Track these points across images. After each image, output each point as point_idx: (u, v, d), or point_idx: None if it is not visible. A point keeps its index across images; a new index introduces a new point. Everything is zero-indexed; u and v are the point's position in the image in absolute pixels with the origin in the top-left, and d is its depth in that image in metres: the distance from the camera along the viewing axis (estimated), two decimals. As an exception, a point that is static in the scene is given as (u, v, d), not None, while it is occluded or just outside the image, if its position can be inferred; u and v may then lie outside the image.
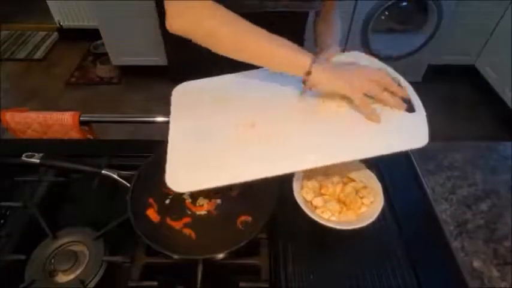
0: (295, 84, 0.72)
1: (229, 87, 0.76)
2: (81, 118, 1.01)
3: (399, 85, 0.66)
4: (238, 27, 0.68)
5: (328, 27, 0.89)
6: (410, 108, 0.64)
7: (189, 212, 0.72)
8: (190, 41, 0.90)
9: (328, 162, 0.60)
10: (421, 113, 0.64)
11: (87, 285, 0.62)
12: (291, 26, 0.89)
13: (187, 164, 0.62)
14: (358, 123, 0.64)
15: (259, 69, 0.74)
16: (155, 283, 0.61)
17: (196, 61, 0.97)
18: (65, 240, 0.68)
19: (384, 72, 0.65)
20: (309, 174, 0.73)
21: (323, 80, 0.64)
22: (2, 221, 0.74)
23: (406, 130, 0.62)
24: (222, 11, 0.68)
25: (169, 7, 0.69)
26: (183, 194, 0.73)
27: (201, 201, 0.73)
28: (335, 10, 0.91)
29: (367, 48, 2.46)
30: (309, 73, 0.64)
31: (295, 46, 0.67)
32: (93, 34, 2.73)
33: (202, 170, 0.61)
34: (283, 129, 0.66)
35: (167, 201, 0.73)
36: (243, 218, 0.70)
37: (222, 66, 0.98)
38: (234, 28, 0.68)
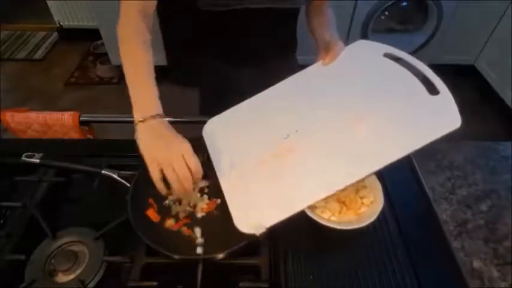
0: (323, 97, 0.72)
1: (254, 113, 0.76)
2: (81, 118, 1.01)
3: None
4: (127, 47, 0.74)
5: (323, 20, 0.87)
6: (434, 91, 0.61)
7: (189, 213, 0.72)
8: (190, 40, 0.90)
9: (369, 171, 0.59)
10: (445, 94, 0.60)
11: (87, 285, 0.62)
12: (279, 23, 0.89)
13: (249, 203, 0.63)
14: (382, 124, 0.62)
15: (276, 86, 0.76)
16: (155, 283, 0.61)
17: (196, 61, 0.97)
18: (65, 240, 0.68)
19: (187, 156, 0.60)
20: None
21: (140, 140, 0.62)
22: (2, 221, 0.73)
23: (437, 115, 0.59)
24: (132, 26, 0.75)
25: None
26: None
27: (201, 203, 0.73)
28: (327, 2, 0.89)
29: (367, 48, 2.46)
30: (137, 124, 0.63)
31: (152, 93, 0.67)
32: (93, 34, 2.73)
33: (262, 208, 0.62)
34: (318, 147, 0.65)
35: (167, 202, 0.73)
36: None
37: (222, 66, 0.98)
38: (125, 47, 0.74)
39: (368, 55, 0.73)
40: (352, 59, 0.74)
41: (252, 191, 0.64)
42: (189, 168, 0.59)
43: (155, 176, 0.60)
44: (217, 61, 0.97)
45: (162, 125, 0.64)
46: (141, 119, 0.63)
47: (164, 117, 0.66)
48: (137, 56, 0.70)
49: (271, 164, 0.66)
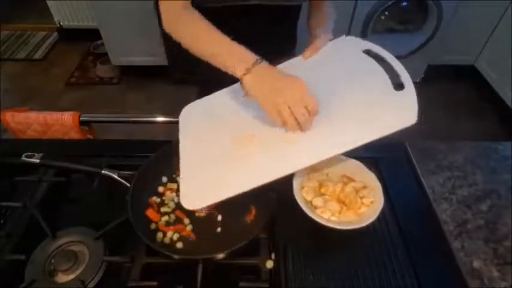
0: None
1: (229, 103, 0.77)
2: (81, 118, 1.01)
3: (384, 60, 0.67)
4: (195, 26, 0.73)
5: (320, 18, 0.87)
6: (399, 86, 0.63)
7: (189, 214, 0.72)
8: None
9: (319, 158, 0.61)
10: (409, 89, 0.62)
11: (87, 285, 0.62)
12: (273, 21, 0.88)
13: (197, 183, 0.65)
14: (345, 115, 0.65)
15: None
16: (155, 283, 0.61)
17: (196, 61, 0.97)
18: (65, 240, 0.68)
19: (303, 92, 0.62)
20: (310, 175, 0.73)
21: (254, 91, 0.64)
22: (2, 221, 0.73)
23: (393, 111, 0.61)
24: (185, 17, 0.74)
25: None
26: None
27: None
28: (328, 2, 0.89)
29: (367, 48, 2.46)
30: (244, 75, 0.64)
31: (242, 48, 0.68)
32: (93, 34, 2.73)
33: (211, 186, 0.63)
34: (279, 136, 0.66)
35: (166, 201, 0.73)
36: (244, 217, 0.70)
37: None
38: (191, 27, 0.74)
39: (348, 51, 0.75)
40: (333, 53, 0.77)
41: (205, 172, 0.66)
42: (305, 107, 0.60)
43: (280, 120, 0.62)
44: None
45: (269, 68, 0.66)
46: (245, 71, 0.64)
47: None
48: (208, 28, 0.71)
49: (231, 148, 0.67)
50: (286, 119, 0.61)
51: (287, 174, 0.61)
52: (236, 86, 0.78)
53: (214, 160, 0.67)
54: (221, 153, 0.67)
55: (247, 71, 0.64)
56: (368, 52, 0.73)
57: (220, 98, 0.79)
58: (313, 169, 0.73)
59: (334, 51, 0.77)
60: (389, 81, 0.65)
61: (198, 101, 0.81)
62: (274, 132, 0.66)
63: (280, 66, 0.78)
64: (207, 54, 0.72)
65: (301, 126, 0.62)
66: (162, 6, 0.77)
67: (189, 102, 0.82)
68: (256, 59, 0.65)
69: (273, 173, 0.60)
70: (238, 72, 0.65)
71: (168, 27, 0.78)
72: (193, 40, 0.74)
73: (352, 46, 0.76)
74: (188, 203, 0.62)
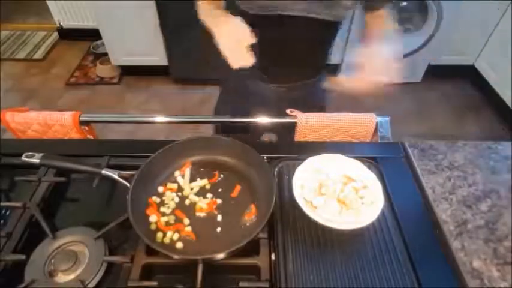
0: None
1: None
2: (81, 118, 1.01)
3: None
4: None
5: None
6: None
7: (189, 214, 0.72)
8: (189, 41, 0.90)
9: None
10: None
11: (87, 285, 0.62)
12: (316, 35, 0.88)
13: None
14: None
15: None
16: (155, 283, 0.61)
17: (196, 61, 0.97)
18: (65, 240, 0.68)
19: None
20: (310, 175, 0.73)
21: None
22: (2, 221, 0.74)
23: None
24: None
25: None
26: (186, 197, 0.74)
27: (201, 203, 0.73)
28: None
29: (367, 48, 2.46)
30: None
31: None
32: (93, 34, 2.74)
33: None
34: None
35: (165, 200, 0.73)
36: (244, 217, 0.70)
37: (220, 65, 0.98)
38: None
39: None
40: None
41: None
42: None
43: None
44: (218, 61, 0.98)
45: None
46: None
47: None
48: None
49: None
50: None
51: None
52: None
53: None
54: None
55: None
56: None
57: None
58: (313, 168, 0.74)
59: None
60: None
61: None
62: None
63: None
64: None
65: None
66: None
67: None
68: None
69: None
70: None
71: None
72: None
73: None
74: None
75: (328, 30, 0.90)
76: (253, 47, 0.80)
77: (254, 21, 0.80)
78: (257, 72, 0.96)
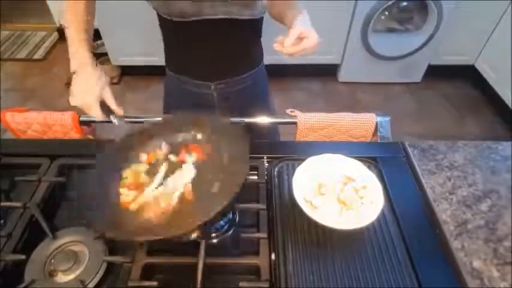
0: None
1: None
2: (81, 118, 1.01)
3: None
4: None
5: (285, 6, 0.86)
6: None
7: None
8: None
9: None
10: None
11: (87, 285, 0.62)
12: (239, 33, 0.89)
13: None
14: None
15: None
16: (155, 283, 0.61)
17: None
18: (65, 240, 0.68)
19: None
20: (310, 175, 0.73)
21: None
22: (2, 221, 0.73)
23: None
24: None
25: None
26: None
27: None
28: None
29: (367, 48, 2.46)
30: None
31: (83, 44, 0.85)
32: (93, 34, 2.73)
33: None
34: None
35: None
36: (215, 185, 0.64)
37: (188, 80, 0.99)
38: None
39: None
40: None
41: None
42: None
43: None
44: (183, 76, 0.99)
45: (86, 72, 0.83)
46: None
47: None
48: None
49: None
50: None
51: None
52: None
53: None
54: None
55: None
56: None
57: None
58: (313, 168, 0.74)
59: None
60: None
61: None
62: None
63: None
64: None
65: None
66: None
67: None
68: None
69: None
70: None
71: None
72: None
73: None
74: None
75: (251, 27, 0.91)
76: (183, 52, 0.89)
77: (176, 27, 0.83)
78: (194, 73, 0.96)
